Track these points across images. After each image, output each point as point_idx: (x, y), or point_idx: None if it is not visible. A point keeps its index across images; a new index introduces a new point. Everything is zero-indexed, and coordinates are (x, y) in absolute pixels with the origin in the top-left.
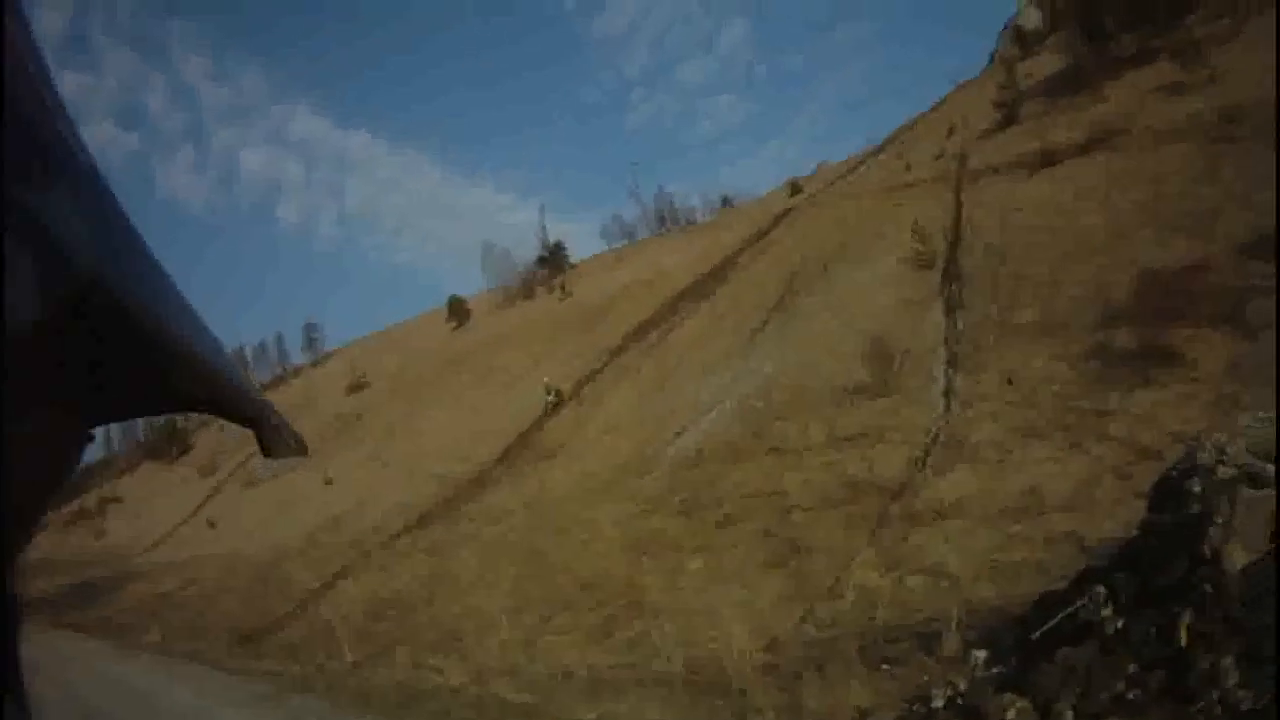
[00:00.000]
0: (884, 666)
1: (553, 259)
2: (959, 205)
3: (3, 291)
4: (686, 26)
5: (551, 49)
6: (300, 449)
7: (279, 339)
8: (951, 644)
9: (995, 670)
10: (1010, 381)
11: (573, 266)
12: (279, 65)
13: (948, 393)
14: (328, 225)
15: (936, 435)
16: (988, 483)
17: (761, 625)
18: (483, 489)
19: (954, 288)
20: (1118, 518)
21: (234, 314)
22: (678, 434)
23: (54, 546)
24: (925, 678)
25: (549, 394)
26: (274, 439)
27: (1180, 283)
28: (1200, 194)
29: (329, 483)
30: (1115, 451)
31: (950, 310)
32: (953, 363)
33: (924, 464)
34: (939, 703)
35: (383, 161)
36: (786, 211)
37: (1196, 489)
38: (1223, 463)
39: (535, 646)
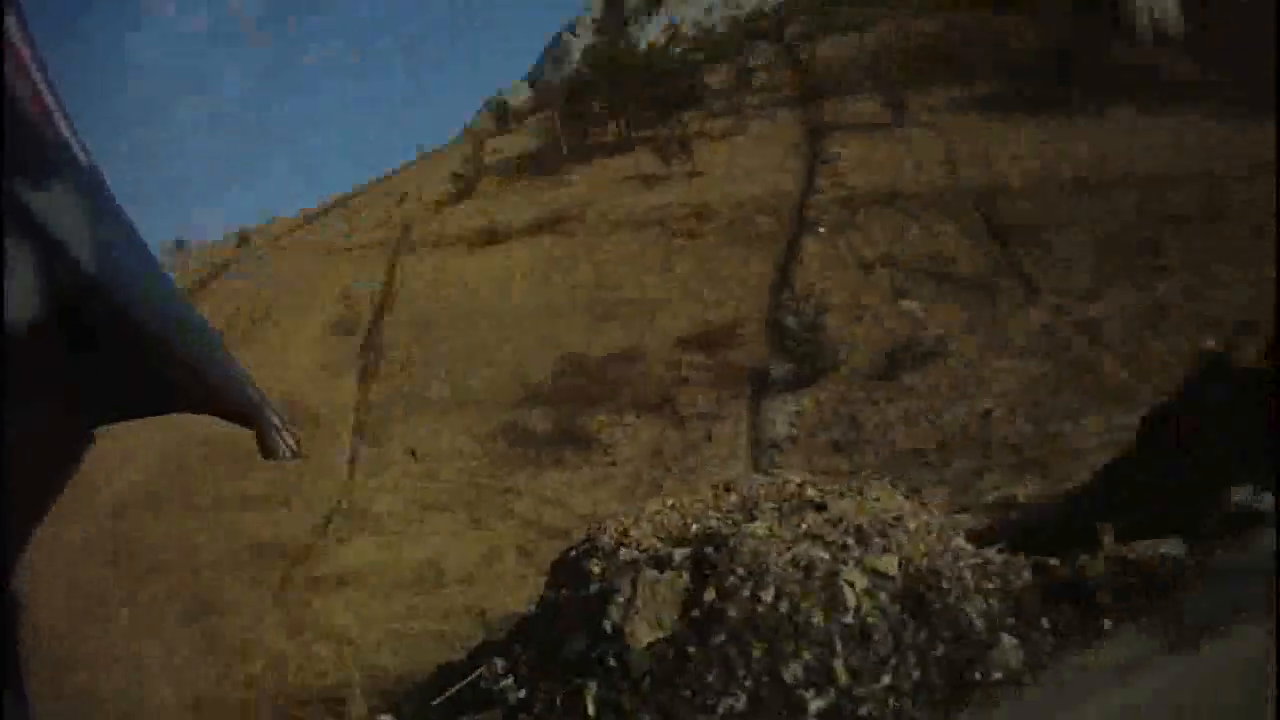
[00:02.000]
0: None
1: None
2: (392, 274)
3: (3, 291)
4: None
5: None
6: (298, 451)
7: None
8: (358, 708)
9: None
10: (414, 454)
11: None
12: None
13: (353, 461)
14: None
15: (339, 503)
16: (389, 553)
17: (185, 681)
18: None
19: (371, 356)
20: (519, 593)
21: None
22: (106, 481)
23: None
24: None
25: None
26: (272, 439)
27: (607, 369)
28: (646, 284)
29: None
30: (518, 530)
31: (365, 378)
32: (360, 431)
33: (326, 531)
34: None
35: None
36: (228, 264)
37: (597, 569)
38: (625, 544)
39: None
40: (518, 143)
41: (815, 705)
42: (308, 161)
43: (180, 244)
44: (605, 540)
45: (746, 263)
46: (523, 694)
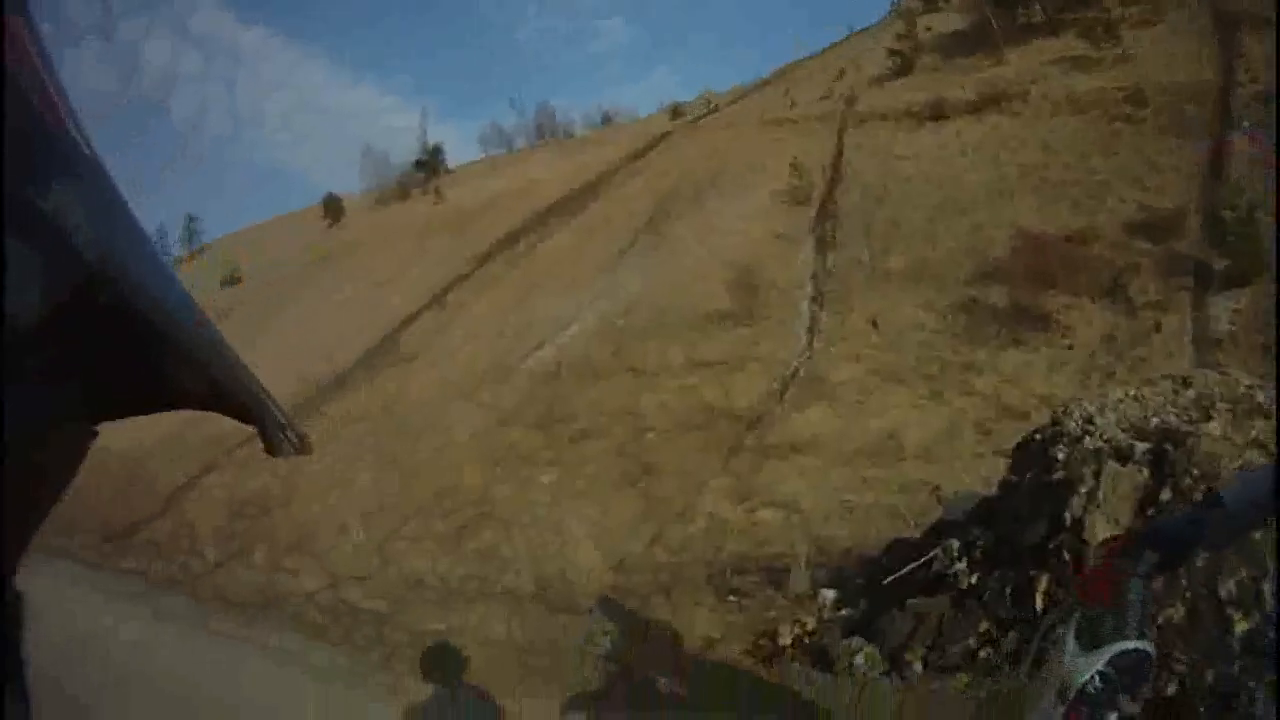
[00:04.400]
0: (731, 598)
1: (430, 163)
2: (840, 146)
3: (6, 287)
4: None
5: None
6: (304, 447)
7: (160, 230)
8: (801, 581)
9: (844, 612)
10: (875, 325)
11: (449, 172)
12: None
13: (811, 329)
14: (217, 120)
15: (797, 370)
16: (845, 423)
17: (611, 545)
18: (343, 389)
19: (827, 226)
20: (975, 472)
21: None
22: (537, 346)
23: None
24: (772, 613)
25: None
26: (276, 437)
27: (1060, 251)
28: (1091, 167)
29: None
30: (978, 407)
31: (821, 248)
32: (819, 300)
33: (782, 397)
34: (786, 640)
35: (276, 59)
36: (665, 135)
37: (1061, 455)
38: (1089, 433)
39: (387, 552)
40: (948, 21)
41: (1240, 629)
42: (729, 38)
43: (607, 119)
44: (1071, 426)
45: (1181, 151)
46: (974, 579)
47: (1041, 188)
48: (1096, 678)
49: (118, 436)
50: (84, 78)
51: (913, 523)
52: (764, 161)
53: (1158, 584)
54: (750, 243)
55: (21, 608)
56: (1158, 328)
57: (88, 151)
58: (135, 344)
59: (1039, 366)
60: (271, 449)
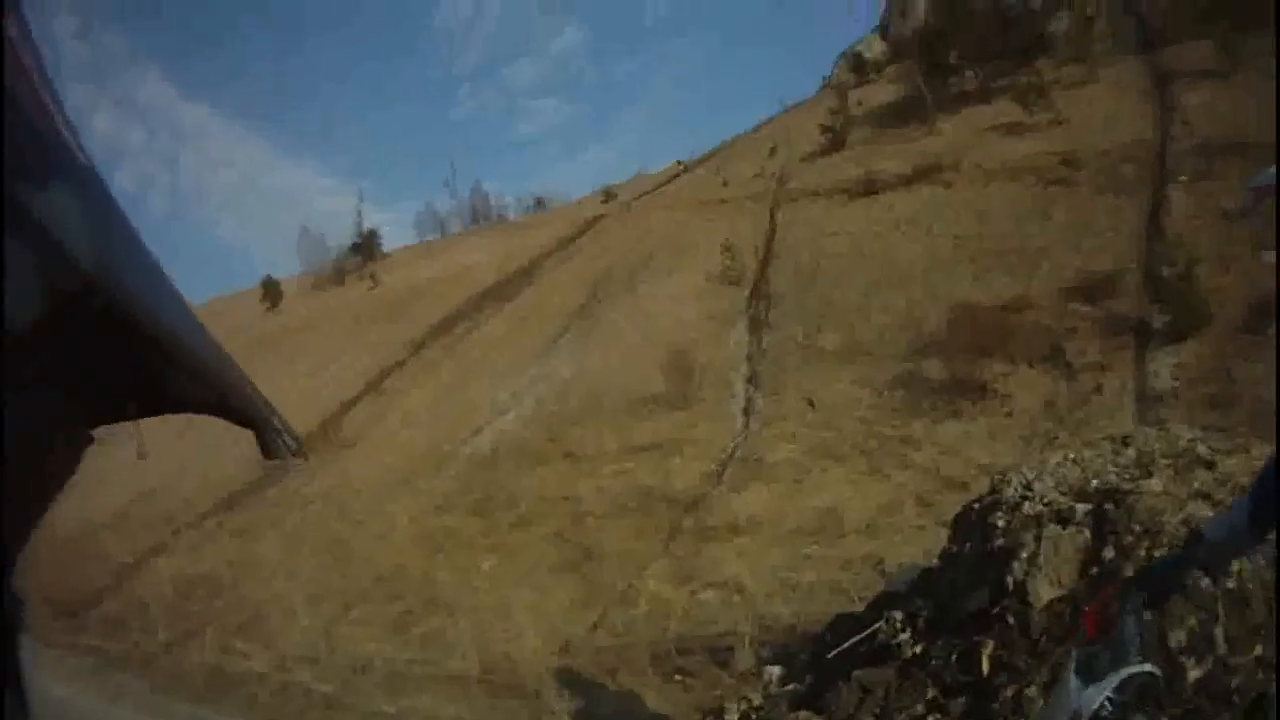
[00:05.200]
0: (677, 678)
1: (366, 247)
2: (773, 225)
3: (3, 292)
4: (519, 27)
5: (395, 40)
6: (299, 452)
7: None
8: (745, 659)
9: (790, 687)
10: (812, 404)
11: (385, 255)
12: (138, 28)
13: (747, 410)
14: (159, 197)
15: (733, 451)
16: (784, 502)
17: (554, 628)
18: (286, 474)
19: (760, 306)
20: (918, 544)
21: None
22: (475, 432)
23: None
24: (718, 691)
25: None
26: (273, 441)
27: (996, 320)
28: (1026, 233)
29: (142, 457)
30: (917, 479)
31: (755, 328)
32: (754, 381)
33: (720, 479)
34: (733, 717)
35: (217, 136)
36: (598, 218)
37: (1001, 523)
38: (1028, 498)
39: (335, 636)
40: (881, 92)
41: (1193, 674)
42: (662, 116)
43: (540, 203)
44: (1010, 493)
45: (1118, 211)
46: (919, 649)
47: (977, 257)
48: (1107, 703)
49: (64, 513)
50: None
51: (856, 597)
52: (696, 242)
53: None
54: (683, 325)
55: (21, 611)
56: (1098, 389)
57: (82, 156)
58: (132, 349)
59: (978, 436)
60: (269, 452)
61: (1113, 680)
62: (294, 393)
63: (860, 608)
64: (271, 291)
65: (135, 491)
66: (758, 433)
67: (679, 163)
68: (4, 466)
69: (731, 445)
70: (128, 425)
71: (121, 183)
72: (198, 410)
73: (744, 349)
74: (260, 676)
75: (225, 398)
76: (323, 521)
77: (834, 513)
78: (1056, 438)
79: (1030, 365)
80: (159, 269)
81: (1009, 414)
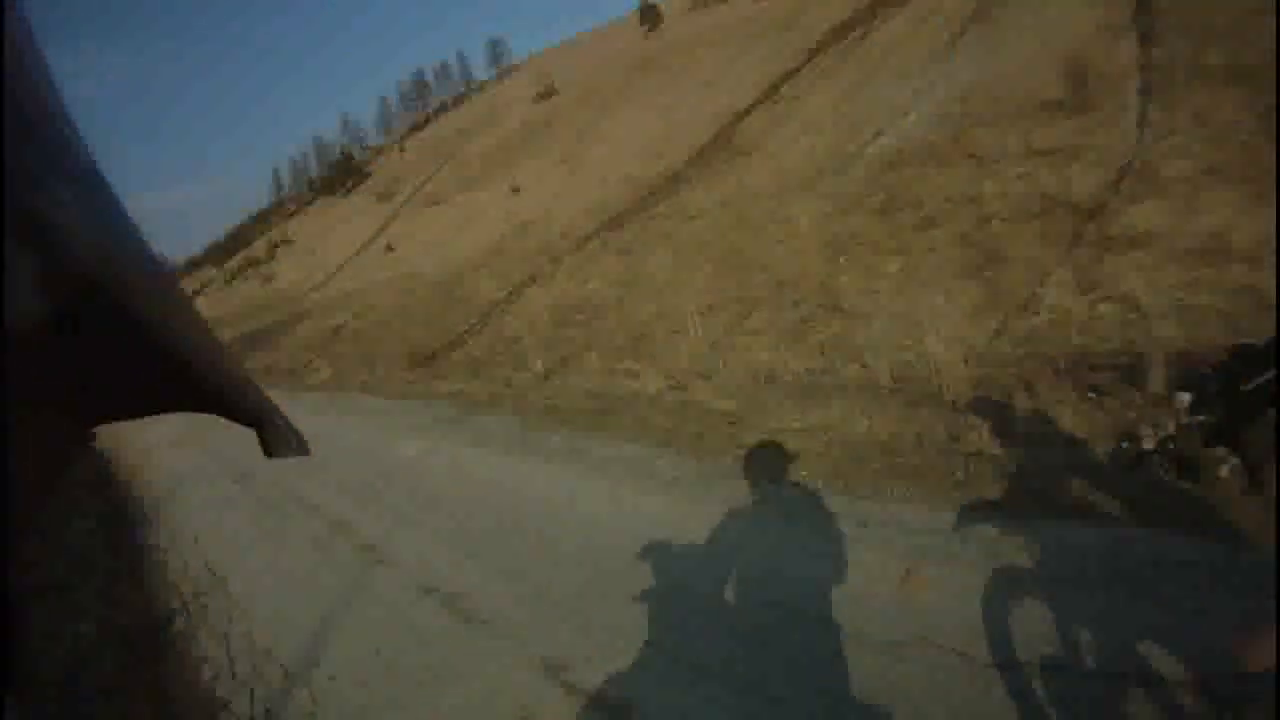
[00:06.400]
0: (1091, 395)
1: None
2: None
3: (4, 291)
4: None
5: None
6: (302, 448)
7: (460, 56)
8: (1158, 381)
9: (1201, 418)
10: (1201, 121)
11: None
12: None
13: (1142, 122)
14: None
15: (1131, 162)
16: (1178, 219)
17: (958, 335)
18: (676, 188)
19: (1153, 22)
20: None
21: (412, 37)
22: (876, 135)
23: (214, 304)
24: (1132, 414)
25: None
26: (276, 439)
27: None
28: None
29: (516, 191)
30: None
31: (1144, 41)
32: (1147, 92)
33: (1118, 189)
34: (1149, 445)
35: None
36: None
37: None
38: None
39: (729, 347)
40: None
41: None
42: None
43: None
44: None
45: None
46: None
47: None
48: None
49: (429, 259)
50: None
51: (1244, 328)
52: None
53: None
54: (1076, 31)
55: (24, 611)
56: None
57: (84, 156)
58: (133, 349)
59: None
60: (272, 451)
61: None
62: (683, 108)
63: (1251, 339)
64: (650, 13)
65: (508, 227)
66: (1154, 147)
67: None
68: (4, 467)
69: (1130, 155)
70: (500, 169)
71: None
72: (200, 409)
73: (1135, 60)
74: (652, 397)
75: (228, 397)
76: (717, 231)
77: (1222, 237)
78: None
79: None
80: (162, 267)
81: None
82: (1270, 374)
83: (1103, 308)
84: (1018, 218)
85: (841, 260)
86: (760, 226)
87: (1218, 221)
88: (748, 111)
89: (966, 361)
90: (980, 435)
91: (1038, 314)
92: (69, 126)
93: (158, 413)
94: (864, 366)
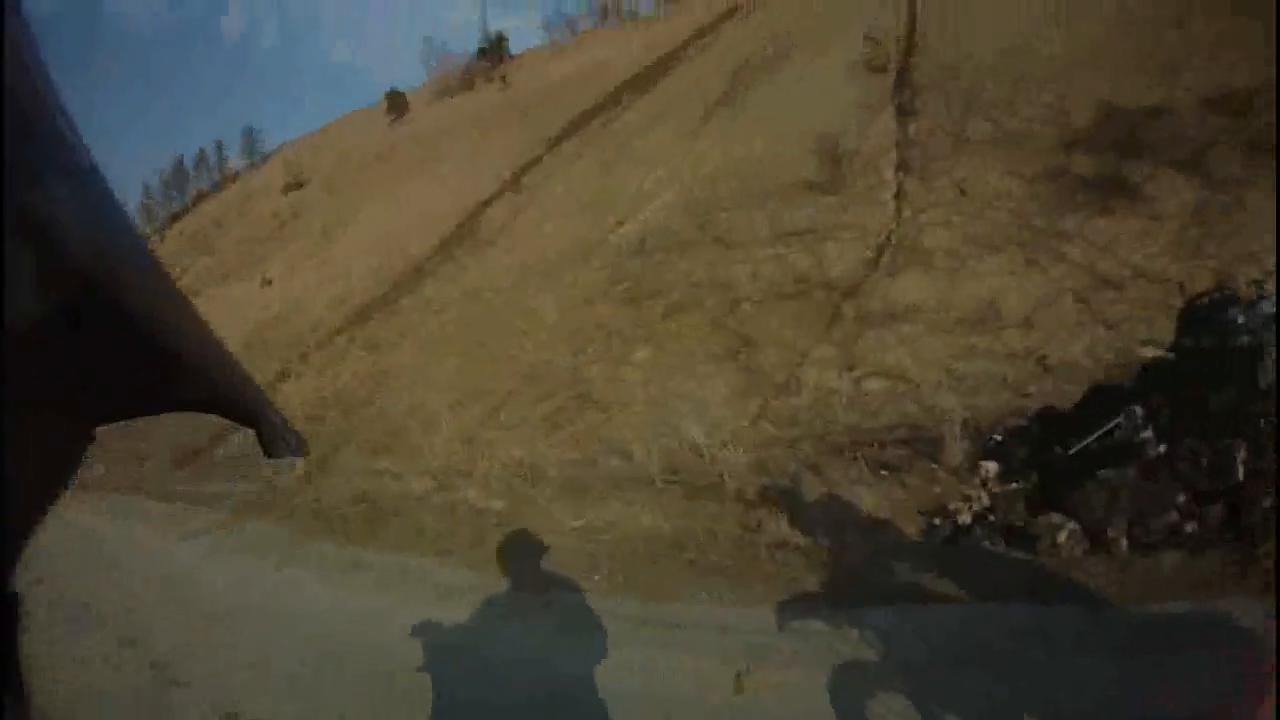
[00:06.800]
0: (883, 473)
1: (493, 50)
2: (913, 13)
3: (3, 291)
4: None
5: None
6: (300, 448)
7: (218, 146)
8: (953, 453)
9: (1014, 486)
10: (963, 191)
11: (514, 58)
12: None
13: (899, 196)
14: (270, 35)
15: (888, 237)
16: (942, 289)
17: (718, 420)
18: (421, 281)
19: (907, 94)
20: (1078, 340)
21: (174, 125)
22: (618, 223)
23: None
24: (937, 489)
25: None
26: (273, 437)
27: (1142, 122)
28: (1165, 42)
29: (268, 284)
30: (1073, 275)
31: (902, 114)
32: (904, 168)
33: (876, 264)
34: (965, 519)
35: None
36: (735, 8)
37: (1240, 319)
38: (1264, 297)
39: (485, 442)
40: None
41: None
42: None
43: None
44: (1242, 290)
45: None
46: (1163, 449)
47: (1121, 58)
48: None
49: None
50: (128, 4)
51: (1021, 391)
52: (835, 32)
53: None
54: (833, 110)
55: (18, 610)
56: (1240, 203)
57: (82, 156)
58: (131, 349)
59: (1128, 236)
60: (269, 450)
61: None
62: (424, 199)
63: (1026, 402)
64: (396, 102)
65: (260, 320)
66: (911, 219)
67: None
68: (4, 467)
69: (885, 231)
70: (252, 260)
71: (232, 28)
72: (199, 408)
73: (892, 135)
74: (419, 499)
75: (227, 396)
76: (463, 322)
77: (993, 304)
78: (1204, 246)
79: (1176, 170)
80: (161, 267)
81: (1155, 217)
82: (1094, 436)
83: (870, 383)
84: (770, 299)
85: (590, 350)
86: (505, 318)
87: (986, 289)
88: (489, 202)
89: (733, 446)
90: (778, 524)
91: (799, 395)
92: (65, 122)
93: (157, 412)
94: (628, 459)
